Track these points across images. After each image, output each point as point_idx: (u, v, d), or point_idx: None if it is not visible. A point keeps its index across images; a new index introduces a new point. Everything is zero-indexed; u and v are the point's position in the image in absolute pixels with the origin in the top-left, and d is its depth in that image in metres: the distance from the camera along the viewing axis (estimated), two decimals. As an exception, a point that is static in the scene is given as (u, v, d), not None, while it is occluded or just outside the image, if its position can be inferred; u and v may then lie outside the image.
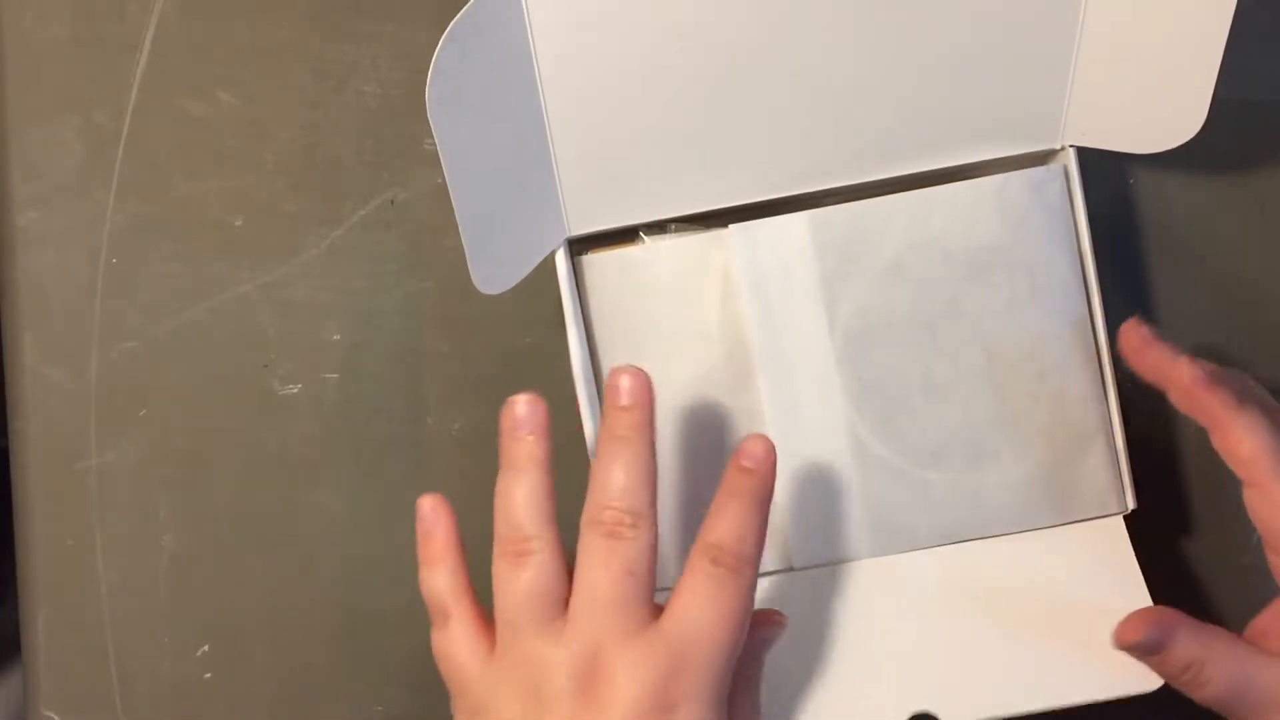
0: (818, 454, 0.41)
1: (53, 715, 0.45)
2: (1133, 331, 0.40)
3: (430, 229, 0.45)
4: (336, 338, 0.45)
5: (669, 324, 0.41)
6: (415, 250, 0.45)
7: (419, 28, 0.45)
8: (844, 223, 0.41)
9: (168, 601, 0.45)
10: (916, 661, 0.41)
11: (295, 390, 0.45)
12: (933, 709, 0.40)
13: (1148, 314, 0.45)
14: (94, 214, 0.45)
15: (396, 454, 0.45)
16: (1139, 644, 0.38)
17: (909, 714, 0.40)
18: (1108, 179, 0.44)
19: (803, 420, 0.41)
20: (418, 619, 0.45)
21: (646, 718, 0.34)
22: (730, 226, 0.41)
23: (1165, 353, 0.39)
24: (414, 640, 0.45)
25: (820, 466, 0.41)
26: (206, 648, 0.45)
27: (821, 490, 0.41)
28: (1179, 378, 0.38)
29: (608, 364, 0.42)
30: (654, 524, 0.35)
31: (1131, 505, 0.41)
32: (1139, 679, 0.39)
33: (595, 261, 0.42)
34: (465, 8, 0.35)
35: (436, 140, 0.35)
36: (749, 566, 0.35)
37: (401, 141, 0.45)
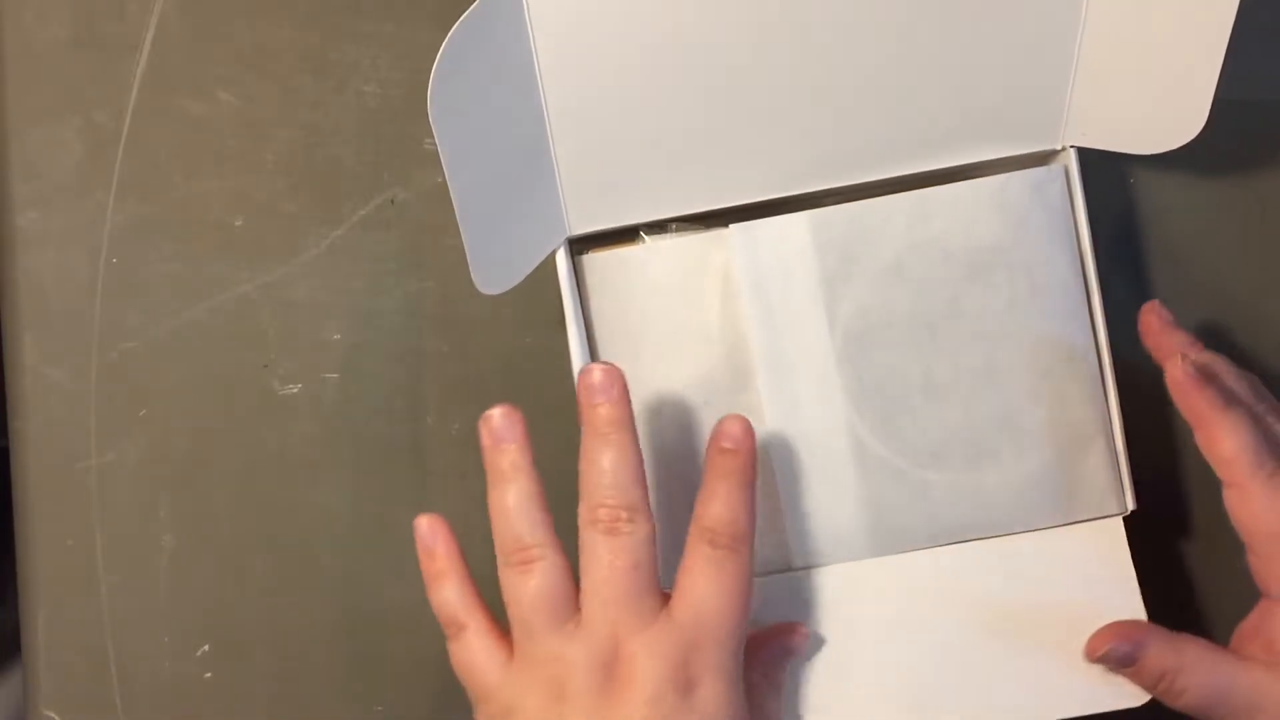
0: (817, 454, 0.41)
1: (53, 715, 0.45)
2: (1153, 313, 0.41)
3: (430, 229, 0.45)
4: (336, 338, 0.45)
5: (669, 323, 0.41)
6: (415, 250, 0.45)
7: (419, 28, 0.45)
8: (844, 223, 0.41)
9: (168, 601, 0.45)
10: (907, 668, 0.41)
11: (295, 390, 0.45)
12: (919, 718, 0.40)
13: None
14: (94, 214, 0.45)
15: (396, 454, 0.45)
16: (1107, 657, 0.39)
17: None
18: (1108, 179, 0.45)
19: (803, 420, 0.41)
20: (417, 619, 0.45)
21: (670, 697, 0.35)
22: (731, 226, 0.41)
23: (1180, 340, 0.39)
24: (414, 640, 0.45)
25: (820, 466, 0.41)
26: (206, 648, 0.45)
27: (821, 490, 0.41)
28: (1171, 373, 0.38)
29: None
30: (650, 514, 0.36)
31: (1131, 506, 0.41)
32: (1128, 692, 0.40)
33: (596, 261, 0.42)
34: (469, 9, 0.35)
35: (437, 140, 0.35)
36: (744, 544, 0.36)
37: (401, 141, 0.45)
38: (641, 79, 0.39)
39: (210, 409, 0.45)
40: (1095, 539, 0.41)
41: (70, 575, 0.45)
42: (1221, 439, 0.37)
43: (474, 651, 0.37)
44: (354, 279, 0.45)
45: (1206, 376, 0.38)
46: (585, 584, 0.36)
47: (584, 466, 0.37)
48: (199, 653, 0.45)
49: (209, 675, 0.45)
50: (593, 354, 0.42)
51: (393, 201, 0.45)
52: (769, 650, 0.40)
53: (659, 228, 0.42)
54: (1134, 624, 0.40)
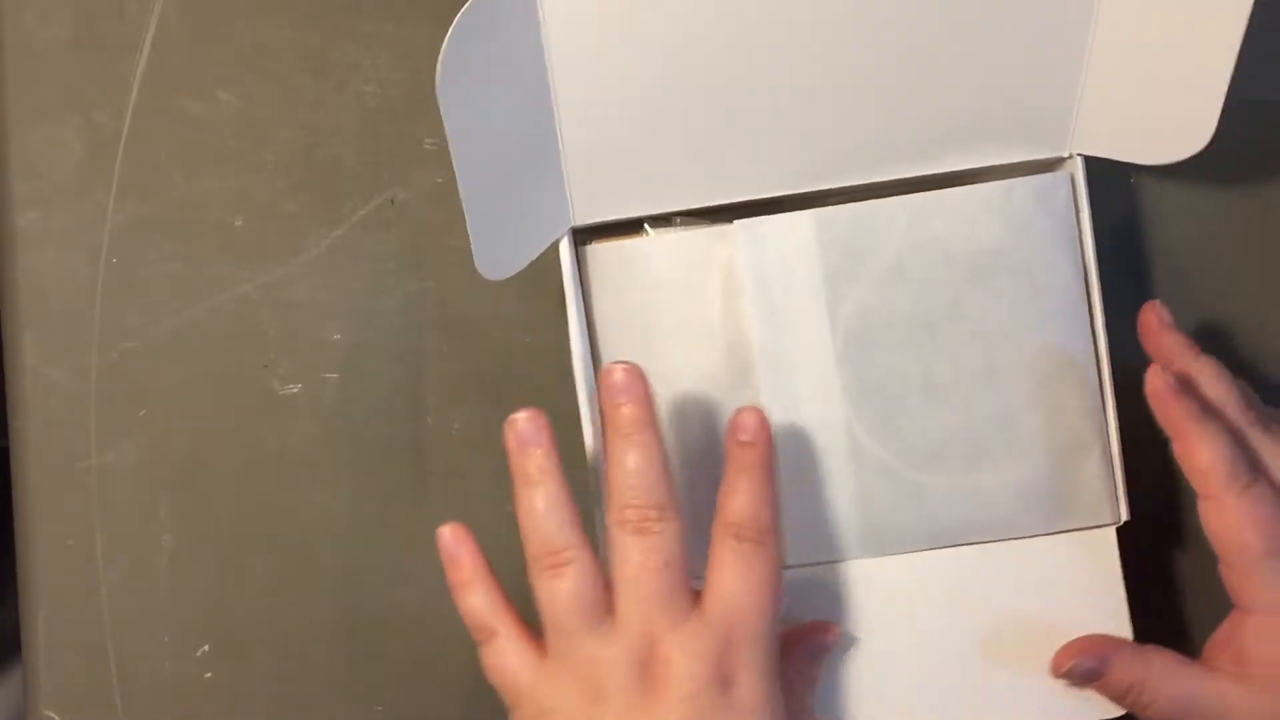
0: (814, 452, 0.41)
1: (53, 715, 0.45)
2: (1153, 312, 0.41)
3: (430, 229, 0.45)
4: (336, 338, 0.45)
5: (671, 317, 0.41)
6: (415, 250, 0.45)
7: (419, 28, 0.45)
8: (848, 222, 0.41)
9: (168, 601, 0.45)
10: (889, 669, 0.41)
11: (295, 390, 0.45)
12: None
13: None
14: (94, 214, 0.45)
15: (396, 454, 0.45)
16: (1072, 672, 0.39)
17: None
18: (1111, 184, 0.44)
19: (801, 418, 0.41)
20: (418, 619, 0.45)
21: (707, 695, 0.35)
22: (735, 222, 0.41)
23: (1177, 341, 0.39)
24: (414, 640, 0.45)
25: (816, 465, 0.41)
26: (206, 648, 0.45)
27: (816, 489, 0.41)
28: (1150, 383, 0.38)
29: (608, 354, 0.42)
30: (679, 512, 0.36)
31: (1125, 517, 0.41)
32: (1103, 705, 0.40)
33: (599, 252, 0.42)
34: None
35: (445, 122, 0.35)
36: (770, 536, 0.37)
37: (401, 141, 0.45)
38: (652, 73, 0.39)
39: (210, 409, 0.45)
40: (1087, 548, 0.41)
41: (70, 575, 0.45)
42: (1198, 451, 0.37)
43: (506, 656, 0.37)
44: (354, 279, 0.45)
45: (1185, 387, 0.38)
46: (617, 584, 0.36)
47: (610, 467, 0.37)
48: (199, 653, 0.45)
49: (209, 675, 0.45)
50: (593, 345, 0.42)
51: (393, 201, 0.45)
52: (804, 647, 0.40)
53: (663, 221, 0.42)
54: (1100, 639, 0.40)
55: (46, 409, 0.45)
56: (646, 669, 0.35)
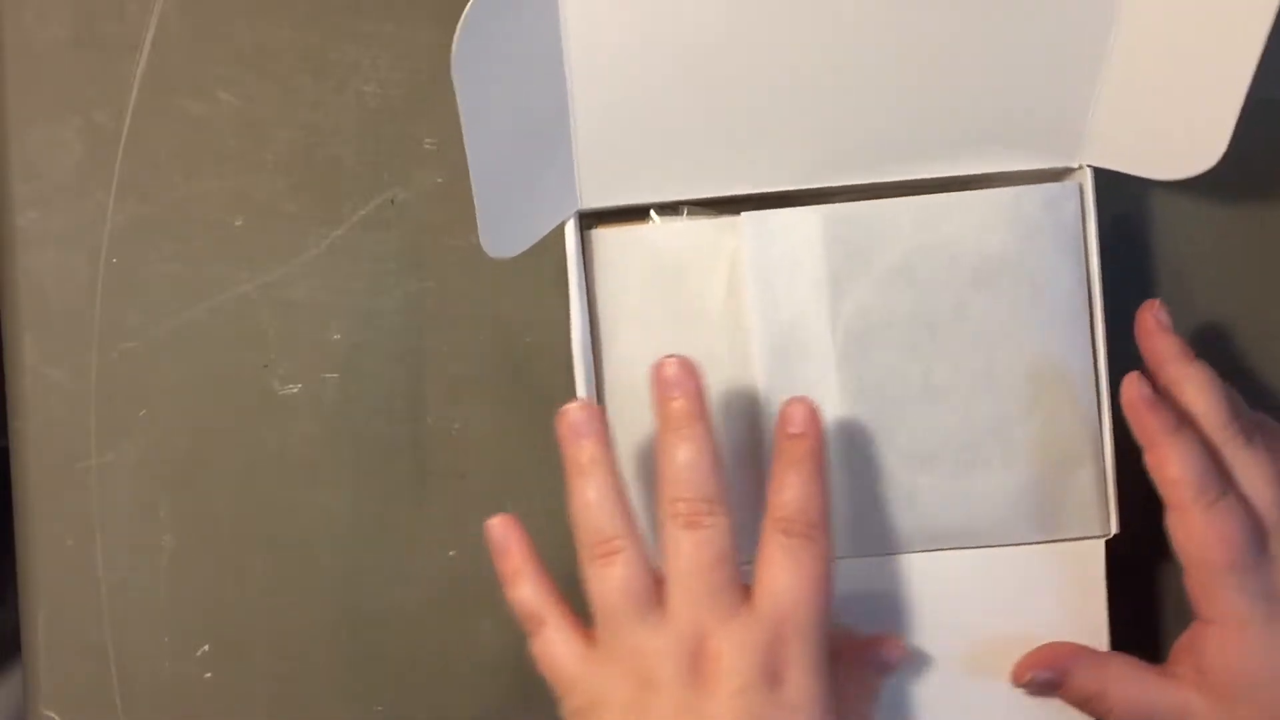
0: None
1: (53, 715, 0.45)
2: (1150, 313, 0.41)
3: (430, 229, 0.45)
4: (336, 338, 0.45)
5: (673, 306, 0.41)
6: (415, 250, 0.45)
7: (419, 28, 0.45)
8: (856, 220, 0.41)
9: (168, 601, 0.45)
10: None
11: (295, 390, 0.45)
12: None
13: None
14: (94, 214, 0.45)
15: (396, 454, 0.45)
16: (1032, 683, 0.40)
17: None
18: (1118, 193, 0.44)
19: None
20: (418, 619, 0.45)
21: (757, 690, 0.35)
22: (743, 214, 0.41)
23: (1171, 344, 0.40)
24: (414, 640, 0.45)
25: None
26: (206, 648, 0.45)
27: None
28: (1126, 392, 0.39)
29: (607, 340, 0.42)
30: (730, 507, 0.36)
31: (1114, 530, 0.41)
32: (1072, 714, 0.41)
33: (604, 237, 0.41)
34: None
35: (458, 97, 0.35)
36: (820, 530, 0.36)
37: (401, 141, 0.45)
38: (669, 60, 0.38)
39: (210, 409, 0.45)
40: (1073, 559, 0.41)
41: (70, 575, 0.45)
42: (1168, 463, 0.37)
43: (555, 645, 0.37)
44: (354, 279, 0.45)
45: (1161, 398, 0.38)
46: (668, 578, 0.36)
47: (661, 461, 0.37)
48: (199, 653, 0.45)
49: (209, 675, 0.45)
50: (593, 330, 0.41)
51: (393, 201, 0.45)
52: (866, 657, 0.40)
53: (671, 210, 0.42)
54: (1060, 647, 0.40)
55: (46, 409, 0.45)
56: (696, 662, 0.35)
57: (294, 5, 0.45)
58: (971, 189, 0.41)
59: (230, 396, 0.45)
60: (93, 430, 0.45)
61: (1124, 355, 0.41)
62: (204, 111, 0.45)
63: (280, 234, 0.45)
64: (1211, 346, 0.45)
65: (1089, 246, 0.41)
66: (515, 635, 0.45)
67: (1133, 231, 0.45)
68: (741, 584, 0.36)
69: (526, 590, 0.38)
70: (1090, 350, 0.41)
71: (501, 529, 0.39)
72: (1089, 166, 0.41)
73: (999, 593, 0.41)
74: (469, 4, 0.34)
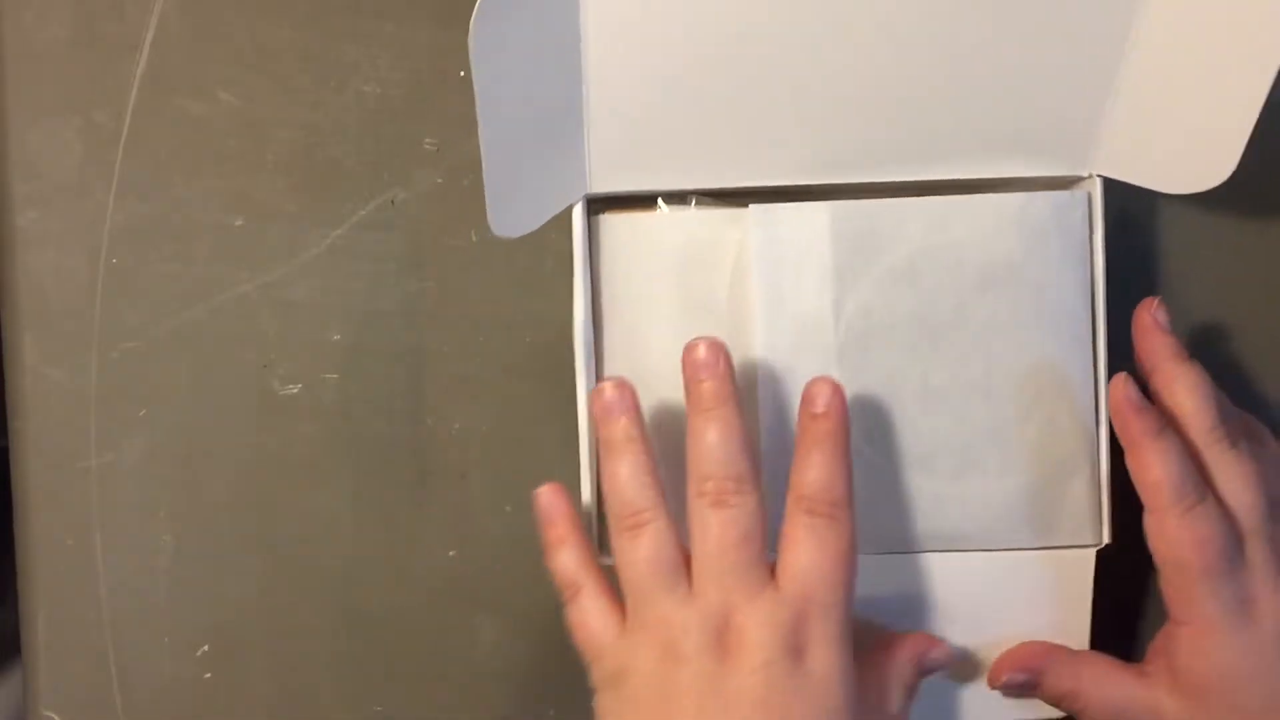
0: None
1: (53, 715, 0.45)
2: (1148, 310, 0.41)
3: (430, 229, 0.45)
4: (336, 338, 0.45)
5: (677, 294, 0.41)
6: (415, 250, 0.45)
7: (419, 28, 0.45)
8: (863, 218, 0.41)
9: (168, 601, 0.45)
10: None
11: (295, 390, 0.45)
12: None
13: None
14: (94, 214, 0.45)
15: (396, 454, 0.45)
16: (1008, 685, 0.41)
17: None
18: (1125, 202, 0.44)
19: (795, 410, 0.41)
20: (418, 619, 0.45)
21: (781, 665, 0.35)
22: (750, 206, 0.41)
23: (1166, 344, 0.40)
24: (414, 640, 0.45)
25: None
26: (206, 648, 0.45)
27: None
28: (1111, 394, 0.39)
29: (610, 325, 0.42)
30: (758, 486, 0.37)
31: (1107, 539, 0.41)
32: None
33: (611, 222, 0.41)
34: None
35: (474, 75, 0.35)
36: (843, 510, 0.37)
37: (401, 141, 0.45)
38: (683, 50, 0.38)
39: (210, 409, 0.45)
40: (1064, 567, 0.41)
41: (70, 575, 0.45)
42: (1148, 466, 0.38)
43: (588, 613, 0.38)
44: (354, 279, 0.45)
45: (1146, 401, 0.39)
46: (696, 556, 0.37)
47: (690, 442, 0.37)
48: (199, 653, 0.45)
49: (209, 675, 0.45)
50: (595, 317, 0.41)
51: (393, 202, 0.45)
52: (907, 651, 0.40)
53: (679, 199, 0.42)
54: (1034, 648, 0.41)
55: (46, 409, 0.45)
56: (721, 636, 0.36)
57: (294, 5, 0.45)
58: (980, 193, 0.41)
59: (230, 396, 0.45)
60: (93, 430, 0.45)
61: (1124, 365, 0.41)
62: (204, 111, 0.45)
63: (280, 234, 0.45)
64: (1211, 350, 0.45)
65: (1095, 255, 0.41)
66: (515, 635, 0.45)
67: (1134, 236, 0.45)
68: (767, 562, 0.37)
69: (567, 558, 0.38)
70: (1091, 359, 0.41)
71: (549, 496, 0.39)
72: (1099, 176, 0.41)
73: (987, 596, 0.41)
74: None
